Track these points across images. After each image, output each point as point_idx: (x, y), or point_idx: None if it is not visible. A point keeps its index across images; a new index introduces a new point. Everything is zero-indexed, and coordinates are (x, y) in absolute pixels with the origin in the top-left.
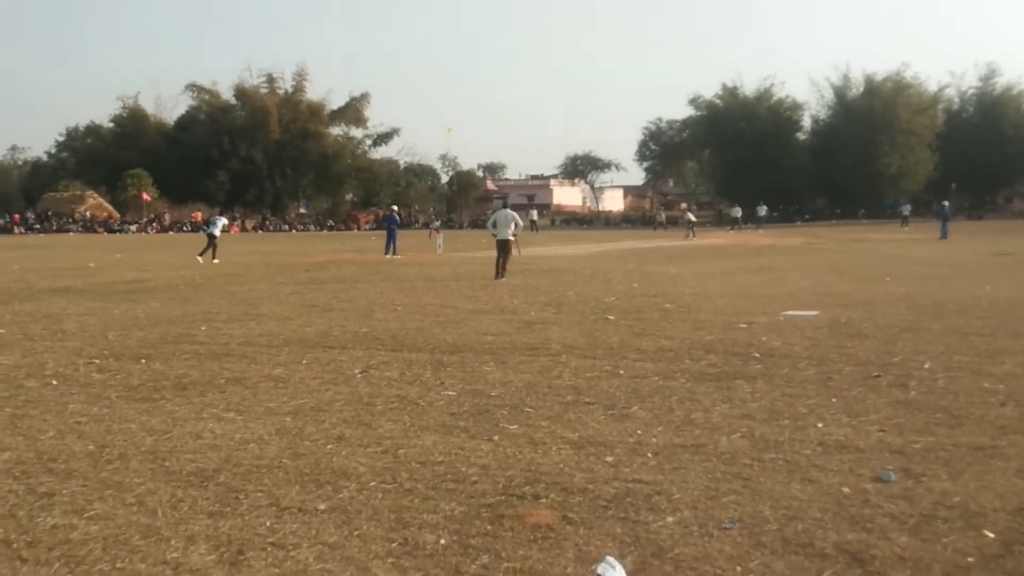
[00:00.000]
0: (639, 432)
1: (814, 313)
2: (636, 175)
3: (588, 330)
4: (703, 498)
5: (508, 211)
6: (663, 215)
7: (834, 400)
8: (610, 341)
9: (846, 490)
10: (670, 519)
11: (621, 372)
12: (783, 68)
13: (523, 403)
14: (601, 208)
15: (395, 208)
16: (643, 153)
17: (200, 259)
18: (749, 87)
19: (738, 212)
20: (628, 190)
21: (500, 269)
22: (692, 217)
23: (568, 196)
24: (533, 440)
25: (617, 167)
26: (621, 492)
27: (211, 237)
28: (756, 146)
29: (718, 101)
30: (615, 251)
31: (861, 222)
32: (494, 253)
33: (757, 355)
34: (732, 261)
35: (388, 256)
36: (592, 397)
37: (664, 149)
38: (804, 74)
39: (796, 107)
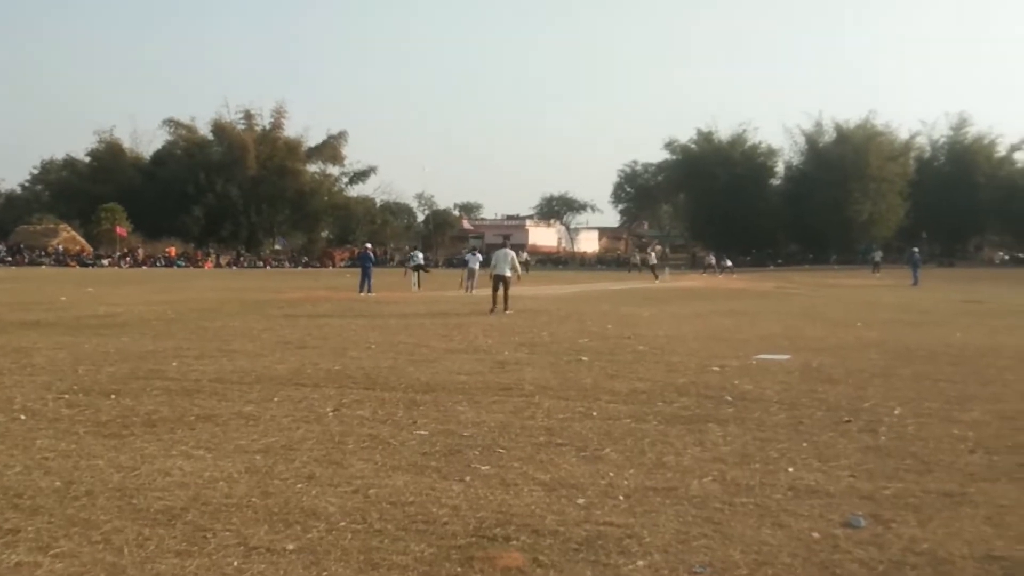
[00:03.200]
0: (611, 474)
1: (786, 357)
2: (611, 217)
3: (561, 371)
4: (674, 542)
5: (508, 251)
6: (638, 257)
7: (805, 445)
8: (583, 382)
9: (816, 535)
10: (641, 563)
11: (594, 414)
12: (759, 115)
13: (495, 444)
14: (576, 249)
15: (369, 245)
16: (618, 195)
17: (417, 289)
18: (724, 133)
19: (712, 258)
20: (603, 232)
21: (497, 302)
22: (653, 259)
23: (544, 237)
24: (505, 481)
25: (593, 209)
26: (592, 535)
27: (419, 267)
28: (730, 191)
29: (693, 146)
30: (590, 292)
31: (833, 267)
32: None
33: (729, 398)
34: (705, 304)
35: (363, 294)
36: (564, 438)
37: (639, 192)
38: (778, 121)
39: (770, 153)
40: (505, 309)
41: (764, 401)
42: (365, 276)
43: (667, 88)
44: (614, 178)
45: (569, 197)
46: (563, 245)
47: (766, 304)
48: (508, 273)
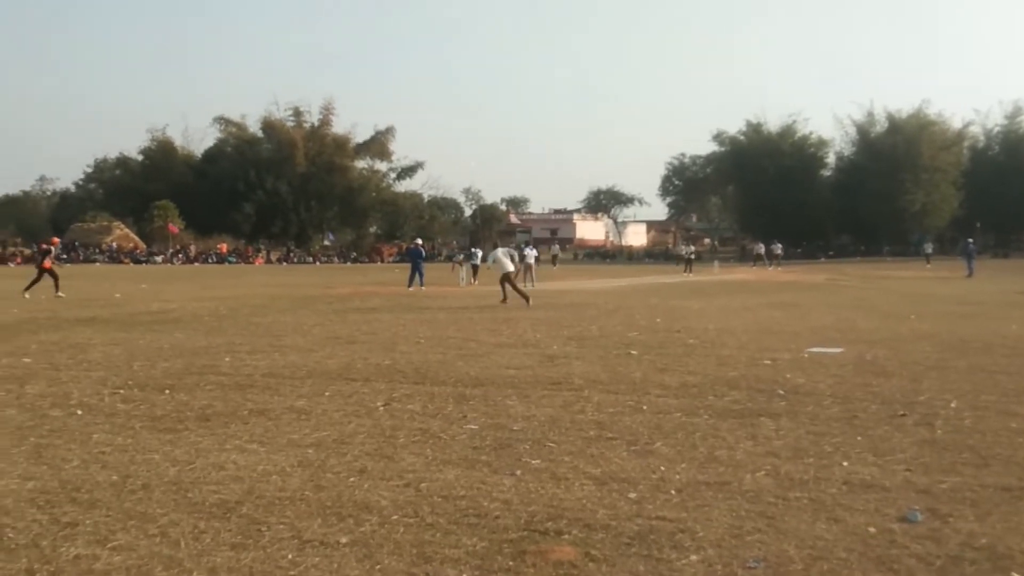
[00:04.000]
0: (662, 468)
1: (839, 350)
2: (659, 210)
3: (611, 365)
4: (727, 536)
5: (505, 249)
6: (686, 250)
7: (859, 439)
8: (633, 376)
9: (872, 530)
10: (694, 557)
11: (644, 407)
12: (809, 105)
13: (545, 438)
14: (624, 243)
15: (419, 241)
16: (666, 188)
17: (465, 284)
18: (773, 124)
19: (761, 248)
20: (651, 225)
21: (510, 294)
22: (691, 252)
23: (591, 230)
24: (555, 475)
25: (640, 202)
26: (644, 529)
27: (475, 267)
28: (780, 182)
29: (742, 137)
30: (638, 286)
31: (885, 259)
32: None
33: (781, 392)
34: (755, 297)
35: (412, 289)
36: (615, 432)
37: (687, 184)
38: (829, 111)
39: (821, 144)
40: (526, 300)
41: (817, 395)
42: (415, 271)
43: (715, 80)
44: (662, 171)
45: (616, 190)
46: (610, 238)
47: (817, 296)
48: (511, 268)
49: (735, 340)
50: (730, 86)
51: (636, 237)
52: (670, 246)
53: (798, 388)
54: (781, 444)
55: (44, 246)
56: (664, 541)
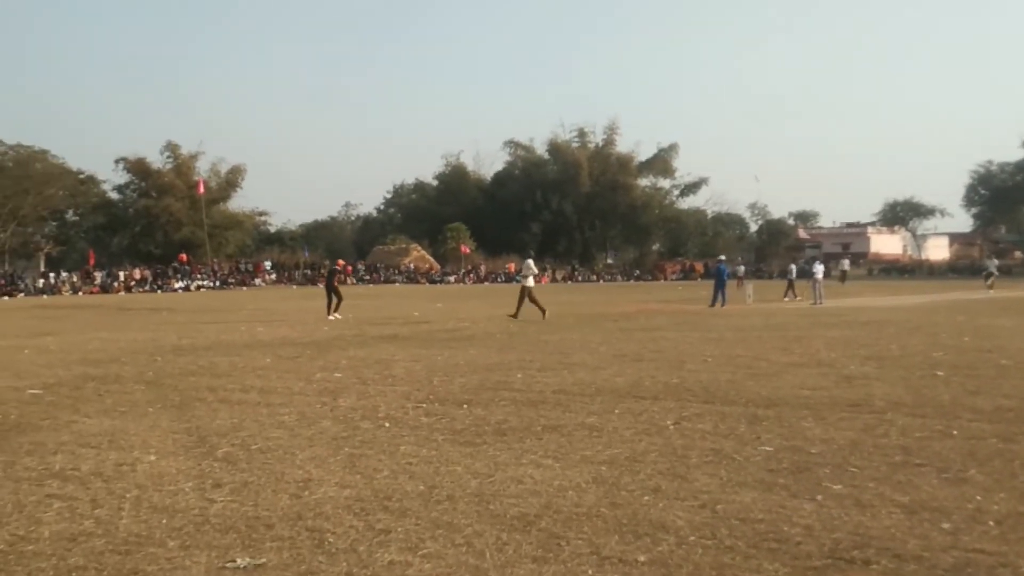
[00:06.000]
0: (978, 498)
1: None
2: (963, 221)
3: (915, 386)
4: None
5: (531, 262)
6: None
7: None
8: (940, 399)
9: None
10: None
11: (954, 432)
12: None
13: (846, 462)
14: (923, 256)
15: (722, 258)
16: (971, 198)
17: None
18: None
19: None
20: (954, 237)
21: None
22: (992, 267)
23: (887, 244)
24: (859, 502)
25: (942, 213)
26: (960, 562)
27: (790, 282)
28: None
29: None
30: (940, 302)
31: None
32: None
33: None
34: None
35: (718, 307)
36: (923, 458)
37: (995, 193)
38: None
39: None
40: (515, 315)
41: None
42: (720, 289)
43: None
44: (966, 180)
45: (915, 202)
46: (908, 252)
47: None
48: (531, 284)
49: None
50: None
51: (937, 251)
52: (975, 259)
53: None
54: None
55: (331, 267)
56: None
